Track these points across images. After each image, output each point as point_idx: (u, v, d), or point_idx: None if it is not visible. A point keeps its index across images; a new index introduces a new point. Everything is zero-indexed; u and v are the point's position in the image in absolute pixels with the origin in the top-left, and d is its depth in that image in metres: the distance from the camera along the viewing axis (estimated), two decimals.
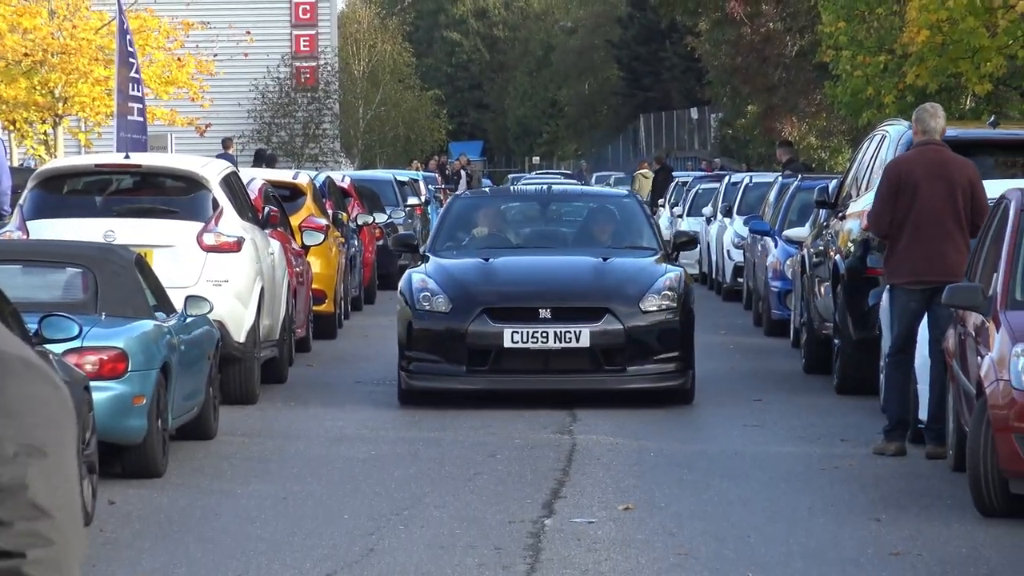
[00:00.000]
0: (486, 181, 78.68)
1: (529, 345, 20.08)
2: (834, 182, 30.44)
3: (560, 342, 19.92)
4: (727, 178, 49.59)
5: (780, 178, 41.57)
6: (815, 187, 31.83)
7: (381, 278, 41.83)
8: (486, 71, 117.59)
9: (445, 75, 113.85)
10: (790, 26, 58.37)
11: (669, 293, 20.86)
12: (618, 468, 20.24)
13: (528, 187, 31.80)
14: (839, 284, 25.99)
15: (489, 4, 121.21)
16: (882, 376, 22.19)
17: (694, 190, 52.66)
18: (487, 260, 21.99)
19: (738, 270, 41.72)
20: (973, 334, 18.60)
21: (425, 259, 22.63)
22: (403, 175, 54.65)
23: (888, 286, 21.34)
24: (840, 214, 26.65)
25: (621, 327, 20.30)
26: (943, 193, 20.21)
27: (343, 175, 44.91)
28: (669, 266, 22.28)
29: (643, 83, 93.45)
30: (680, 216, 50.63)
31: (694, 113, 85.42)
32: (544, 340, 20.02)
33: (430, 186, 58.81)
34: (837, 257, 26.32)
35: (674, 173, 62.59)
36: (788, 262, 33.38)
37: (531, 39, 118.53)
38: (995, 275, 18.35)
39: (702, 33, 68.37)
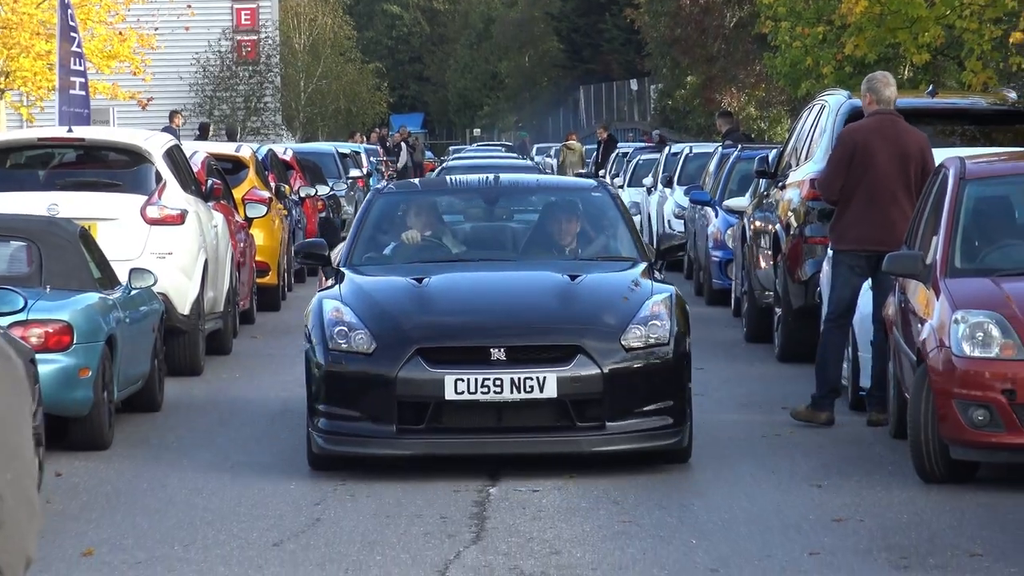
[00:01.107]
0: (428, 153, 79.26)
1: (479, 396, 15.28)
2: (774, 152, 30.73)
3: (519, 392, 15.17)
4: (667, 148, 50.32)
5: (720, 148, 41.89)
6: (755, 157, 31.99)
7: None
8: (426, 44, 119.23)
9: (386, 48, 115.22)
10: None
11: (658, 323, 15.84)
12: None
13: (470, 178, 24.94)
14: (780, 254, 26.12)
15: None
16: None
17: (635, 161, 53.04)
18: (420, 281, 16.73)
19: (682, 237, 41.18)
20: (913, 302, 18.71)
21: (339, 276, 17.35)
22: (345, 148, 55.39)
23: (832, 251, 21.38)
24: (780, 184, 26.84)
25: (598, 371, 15.34)
26: (897, 162, 20.35)
27: (285, 148, 45.26)
28: (656, 284, 17.09)
29: (583, 55, 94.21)
30: (621, 187, 49.78)
31: (634, 84, 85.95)
32: (498, 390, 15.20)
33: (372, 159, 59.40)
34: (778, 227, 26.51)
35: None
36: (729, 232, 33.54)
37: (471, 11, 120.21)
38: (935, 243, 18.42)
39: (641, 4, 69.83)
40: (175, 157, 25.57)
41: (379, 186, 19.41)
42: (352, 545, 14.67)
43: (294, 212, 37.12)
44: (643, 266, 17.42)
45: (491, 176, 22.15)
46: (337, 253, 18.37)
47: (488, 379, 14.78)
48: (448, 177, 24.41)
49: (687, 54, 64.54)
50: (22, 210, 22.52)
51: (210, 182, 27.67)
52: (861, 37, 36.43)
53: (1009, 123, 27.04)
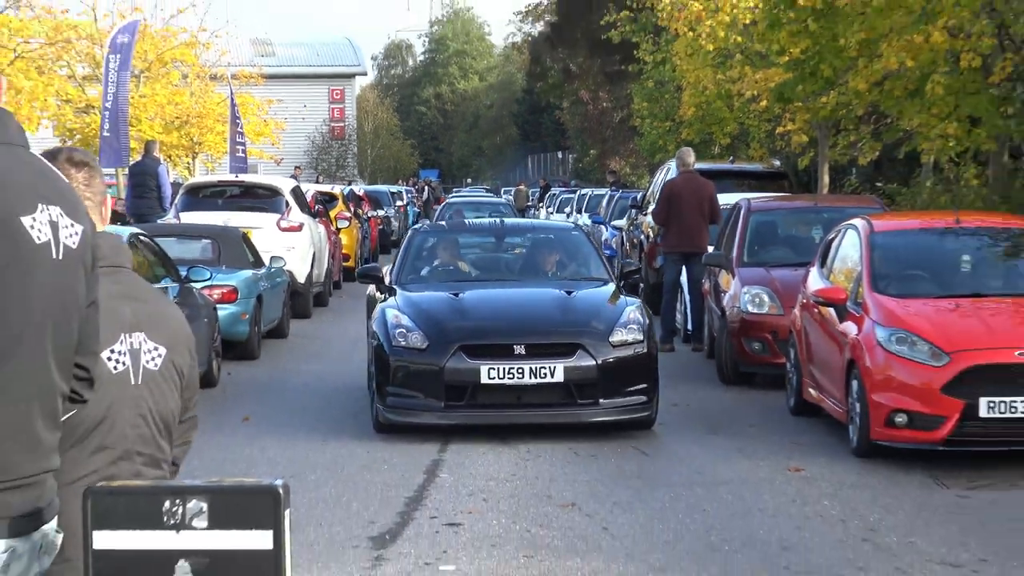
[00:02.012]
0: (445, 194, 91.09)
1: (505, 381, 16.13)
2: (640, 194, 36.03)
3: (535, 378, 16.10)
4: (578, 191, 60.05)
5: (609, 191, 49.63)
6: (630, 197, 38.25)
7: (381, 247, 50.29)
8: (441, 129, 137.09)
9: (417, 131, 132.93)
10: (615, 105, 67.85)
11: (634, 326, 16.92)
12: None
13: (482, 221, 26.55)
14: (642, 251, 30.37)
15: (443, 91, 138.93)
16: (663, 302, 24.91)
17: (559, 198, 62.74)
18: (456, 295, 17.71)
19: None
20: (720, 281, 21.83)
21: (391, 291, 18.30)
22: (393, 188, 69.47)
23: (664, 252, 24.96)
24: (644, 212, 31.04)
25: (593, 362, 16.32)
26: (695, 200, 24.20)
27: (360, 187, 57.71)
28: (628, 298, 18.17)
29: (531, 137, 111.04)
30: (551, 213, 59.71)
31: (560, 155, 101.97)
32: (520, 376, 16.11)
33: (408, 195, 72.21)
34: (642, 237, 30.78)
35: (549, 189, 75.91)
36: (613, 239, 39.26)
37: (467, 111, 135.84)
38: (734, 247, 21.73)
39: (565, 108, 79.05)
40: (296, 192, 30.55)
41: (416, 226, 22.07)
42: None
43: (364, 225, 44.48)
44: (612, 285, 18.52)
45: (498, 220, 23.48)
46: (385, 272, 19.33)
47: (512, 368, 15.95)
48: (467, 220, 29.12)
49: (591, 137, 78.84)
50: (209, 222, 26.28)
51: (317, 207, 33.19)
52: (691, 128, 42.33)
53: (775, 179, 31.68)
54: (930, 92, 28.50)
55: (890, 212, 22.63)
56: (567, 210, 56.27)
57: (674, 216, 24.04)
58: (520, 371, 16.00)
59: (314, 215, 30.94)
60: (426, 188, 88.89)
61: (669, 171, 28.85)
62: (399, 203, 62.99)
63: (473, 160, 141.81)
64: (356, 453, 15.69)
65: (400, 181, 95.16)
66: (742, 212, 22.62)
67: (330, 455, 15.58)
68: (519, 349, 16.17)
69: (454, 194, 62.53)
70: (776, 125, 36.83)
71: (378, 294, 19.00)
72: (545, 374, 15.99)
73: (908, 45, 27.98)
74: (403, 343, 16.44)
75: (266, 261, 24.41)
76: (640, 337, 16.72)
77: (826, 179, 37.08)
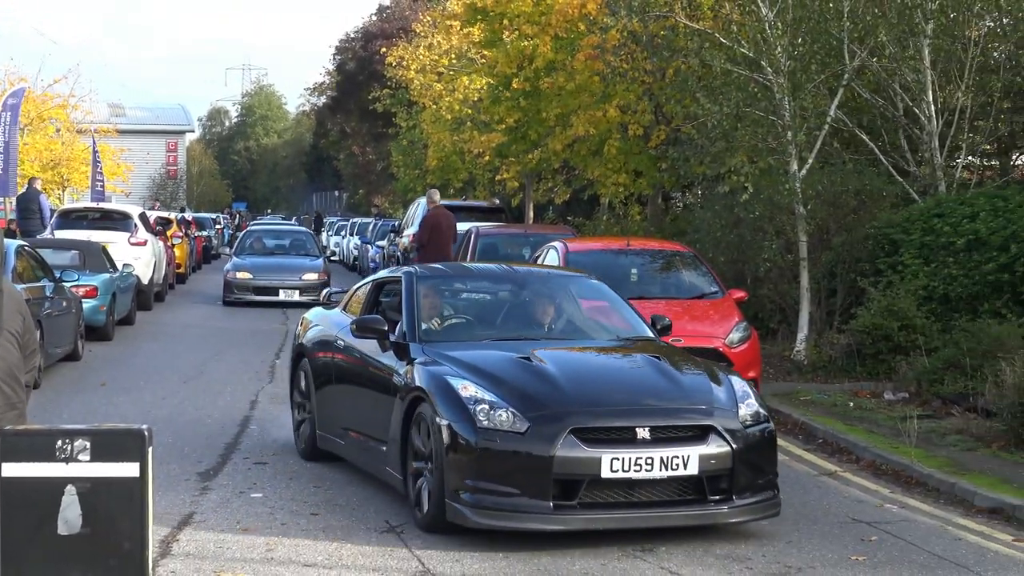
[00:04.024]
0: (251, 216, 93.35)
1: (631, 474, 9.69)
2: (397, 222, 36.53)
3: (667, 469, 9.74)
4: (351, 220, 58.96)
5: (373, 220, 49.37)
6: (389, 224, 38.62)
7: (204, 258, 49.35)
8: (249, 172, 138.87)
9: (231, 173, 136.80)
10: (378, 157, 67.82)
11: (753, 400, 10.47)
12: None
13: (492, 266, 14.55)
14: (399, 263, 29.39)
15: (251, 145, 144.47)
16: None
17: (336, 225, 61.87)
18: (528, 359, 10.48)
19: (355, 259, 48.44)
20: None
21: (403, 349, 10.97)
22: (213, 215, 67.59)
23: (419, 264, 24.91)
24: (400, 235, 31.63)
25: (728, 448, 9.90)
26: (445, 227, 23.82)
27: (189, 214, 55.62)
28: (715, 365, 11.31)
29: (315, 179, 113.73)
30: (330, 236, 59.61)
31: (337, 193, 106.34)
32: (648, 468, 9.71)
33: (225, 220, 71.45)
34: (399, 253, 31.02)
35: (325, 219, 76.38)
36: (377, 255, 38.88)
37: (268, 159, 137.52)
38: (467, 261, 21.13)
39: (341, 159, 79.13)
40: (142, 216, 30.19)
41: (411, 270, 12.26)
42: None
43: (192, 242, 44.30)
44: (663, 343, 11.84)
45: (508, 266, 13.66)
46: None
47: (640, 458, 9.54)
48: (471, 266, 15.92)
49: (360, 180, 79.20)
50: (77, 237, 25.64)
51: (157, 228, 32.59)
52: (434, 175, 41.87)
53: (495, 213, 32.12)
54: (607, 152, 29.37)
55: (579, 237, 22.86)
56: (343, 233, 56.64)
57: (432, 238, 23.92)
58: (649, 461, 9.55)
59: (155, 234, 30.82)
60: (237, 216, 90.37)
61: (420, 205, 28.93)
62: (217, 226, 62.77)
63: (272, 196, 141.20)
64: (187, 410, 15.43)
65: (219, 211, 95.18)
66: (472, 236, 23.15)
67: (167, 410, 15.26)
68: (643, 433, 9.63)
69: (255, 222, 60.54)
70: (496, 174, 36.81)
71: (341, 339, 12.19)
72: (678, 464, 9.59)
73: (591, 118, 28.72)
74: (489, 424, 9.59)
75: (119, 267, 24.18)
76: (764, 412, 10.39)
77: (531, 213, 38.06)
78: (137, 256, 27.27)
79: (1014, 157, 24.85)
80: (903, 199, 21.43)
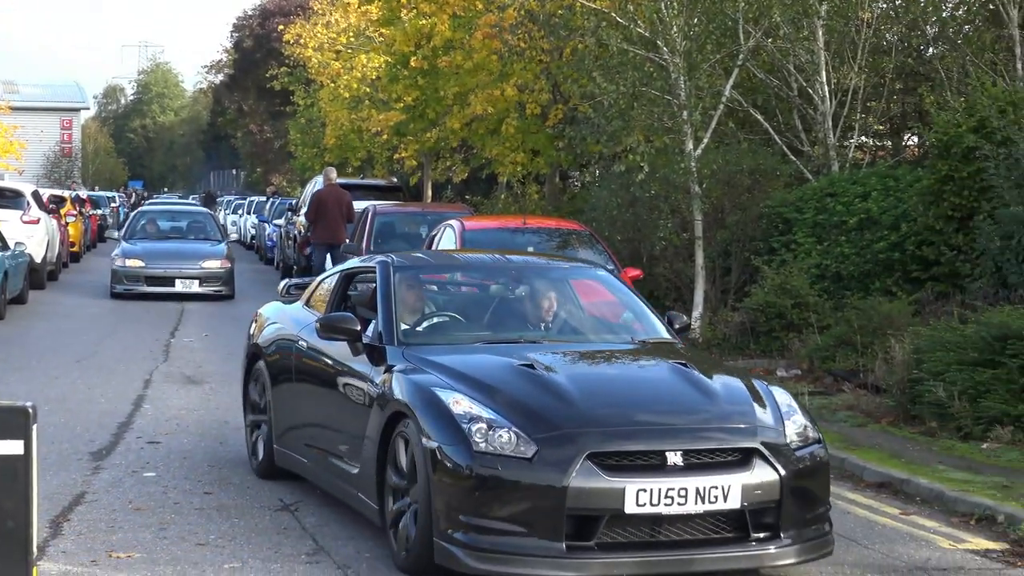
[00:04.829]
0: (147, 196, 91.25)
1: (660, 509, 7.59)
2: (295, 201, 36.00)
3: (703, 502, 7.66)
4: (248, 198, 59.37)
5: (270, 199, 48.16)
6: (286, 203, 38.16)
7: (100, 237, 48.02)
8: (146, 151, 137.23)
9: (127, 152, 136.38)
10: (276, 135, 66.93)
11: (799, 416, 8.36)
12: None
13: (483, 256, 11.40)
14: (295, 242, 30.41)
15: (147, 123, 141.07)
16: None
17: (233, 204, 61.83)
18: (531, 366, 8.45)
19: (253, 237, 48.65)
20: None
21: (379, 354, 8.92)
22: (109, 194, 66.80)
23: (313, 243, 24.88)
24: (297, 214, 31.05)
25: (776, 476, 7.87)
26: (337, 206, 24.40)
27: (84, 193, 54.94)
28: (748, 373, 9.51)
29: (212, 158, 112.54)
30: (228, 214, 58.56)
31: (234, 172, 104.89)
32: (682, 501, 7.61)
33: (120, 199, 69.92)
34: (296, 232, 30.59)
35: (218, 198, 77.42)
36: (275, 234, 38.61)
37: (165, 138, 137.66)
38: (364, 241, 21.64)
39: (238, 137, 78.41)
40: (35, 194, 29.54)
41: (386, 259, 9.80)
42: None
43: (87, 221, 43.93)
44: (685, 346, 9.84)
45: (503, 256, 11.15)
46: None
47: (672, 489, 7.58)
48: (458, 257, 12.17)
49: (258, 159, 76.79)
50: None
51: (51, 206, 32.00)
52: (332, 153, 41.63)
53: (393, 191, 32.07)
54: (504, 131, 29.45)
55: (476, 215, 22.83)
56: (240, 212, 56.32)
57: (320, 217, 24.13)
58: (682, 493, 7.60)
59: (49, 212, 30.39)
60: (133, 194, 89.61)
61: (316, 184, 28.83)
62: (113, 205, 61.90)
63: (169, 174, 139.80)
64: (79, 390, 15.31)
65: (115, 189, 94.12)
66: (369, 214, 22.84)
67: (60, 390, 15.14)
68: (674, 458, 7.68)
69: (149, 202, 58.29)
70: (394, 152, 36.77)
71: (303, 341, 10.20)
72: (716, 496, 7.65)
73: (489, 97, 28.77)
74: (488, 447, 7.67)
75: (11, 246, 23.74)
76: (814, 430, 8.38)
77: (429, 192, 37.94)
78: (30, 234, 26.72)
79: (905, 137, 25.17)
80: (796, 178, 21.64)
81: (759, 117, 22.42)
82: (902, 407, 13.39)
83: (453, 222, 18.15)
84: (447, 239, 17.67)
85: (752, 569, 7.98)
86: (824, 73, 21.57)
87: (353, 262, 10.81)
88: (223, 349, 19.40)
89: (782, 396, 8.52)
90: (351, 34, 41.38)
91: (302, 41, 44.56)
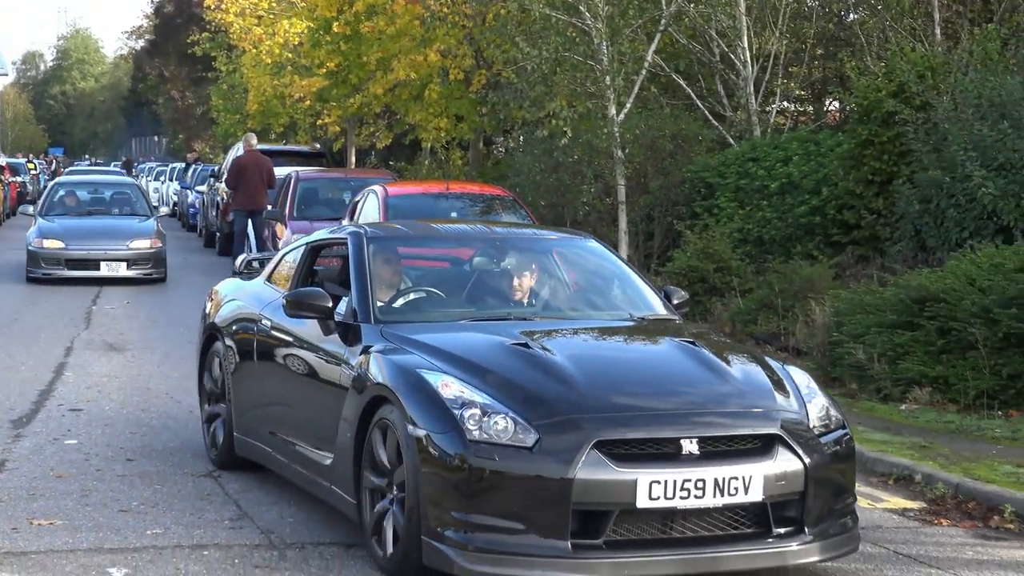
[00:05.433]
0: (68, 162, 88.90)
1: (676, 503, 6.74)
2: (217, 167, 35.86)
3: (722, 495, 6.79)
4: (170, 165, 58.28)
5: (193, 166, 46.99)
6: (208, 170, 38.11)
7: (20, 203, 47.02)
8: (66, 117, 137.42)
9: (47, 119, 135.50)
10: (198, 102, 66.78)
11: (821, 399, 7.55)
12: None
13: (464, 226, 10.36)
14: (219, 209, 30.10)
15: (67, 89, 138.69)
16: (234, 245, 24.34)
17: (155, 171, 59.98)
18: (526, 346, 7.56)
19: (175, 204, 47.75)
20: (276, 231, 22.09)
21: (354, 332, 8.07)
22: (28, 162, 64.32)
23: (234, 210, 24.55)
24: (219, 180, 30.40)
25: (800, 465, 7.00)
26: (257, 172, 24.08)
27: (2, 160, 53.07)
28: (762, 353, 8.75)
29: (134, 125, 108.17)
30: (149, 181, 56.65)
31: (156, 138, 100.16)
32: (699, 493, 6.75)
33: (40, 166, 68.21)
34: (219, 198, 30.19)
35: (136, 165, 77.15)
36: (197, 200, 38.38)
37: (86, 104, 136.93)
38: (287, 206, 21.83)
39: (160, 104, 78.39)
40: None
41: (358, 230, 8.98)
42: None
43: (6, 188, 43.78)
44: (684, 323, 9.06)
45: (483, 226, 10.09)
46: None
47: (689, 480, 6.76)
48: (441, 225, 10.44)
49: (179, 126, 75.53)
50: None
51: None
52: (254, 120, 40.81)
53: (317, 157, 31.60)
54: (428, 97, 29.44)
55: (399, 181, 22.63)
56: (162, 179, 55.51)
57: (241, 183, 23.92)
58: (700, 484, 6.80)
59: None
60: (54, 161, 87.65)
61: (238, 150, 28.26)
62: (32, 172, 61.07)
63: (90, 141, 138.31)
64: None
65: (34, 156, 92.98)
66: (292, 180, 22.70)
67: None
68: (689, 446, 6.88)
69: (69, 170, 55.29)
70: (317, 118, 36.43)
71: (268, 319, 9.31)
72: (736, 488, 6.87)
73: (412, 63, 28.77)
74: (482, 435, 6.84)
75: None
76: (837, 414, 7.62)
77: (353, 158, 37.78)
78: None
79: (826, 102, 25.37)
80: (719, 143, 21.82)
81: (681, 82, 22.57)
82: (823, 369, 13.46)
83: (377, 188, 18.14)
84: (371, 205, 17.64)
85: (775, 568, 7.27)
86: (746, 38, 21.71)
87: (321, 233, 9.83)
88: (144, 317, 19.26)
89: (800, 377, 7.80)
90: None
91: (223, 6, 44.15)
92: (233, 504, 8.89)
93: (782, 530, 7.08)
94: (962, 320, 12.44)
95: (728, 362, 7.71)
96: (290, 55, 38.07)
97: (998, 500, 9.06)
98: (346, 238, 9.05)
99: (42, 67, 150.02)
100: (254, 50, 40.54)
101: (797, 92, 24.19)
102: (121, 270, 23.64)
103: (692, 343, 7.96)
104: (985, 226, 14.53)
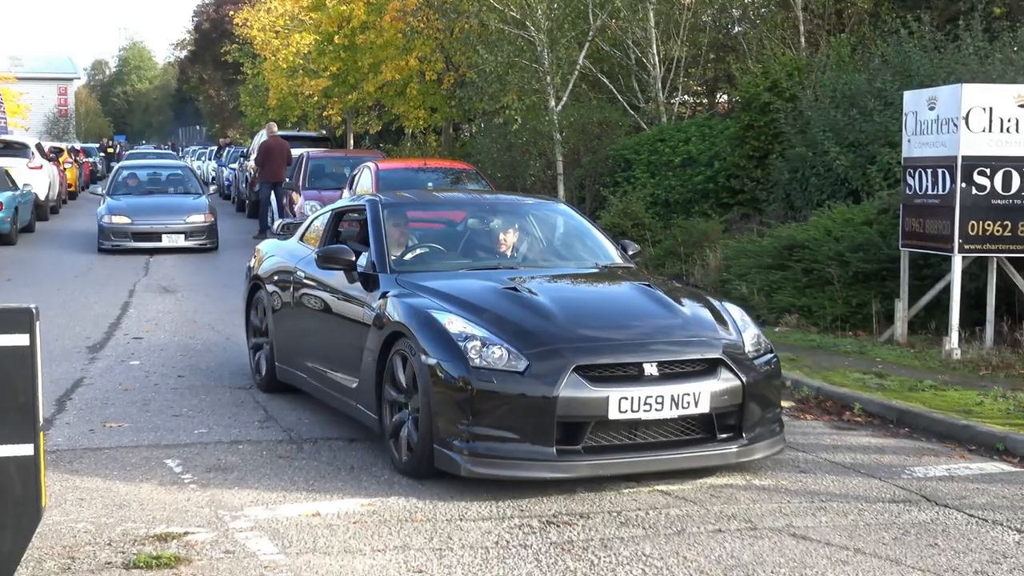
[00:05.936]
0: (129, 147, 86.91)
1: (640, 415, 6.68)
2: (245, 149, 34.74)
3: (677, 408, 6.75)
4: (209, 148, 56.57)
5: (227, 148, 45.82)
6: (239, 151, 36.88)
7: (92, 179, 47.68)
8: (127, 111, 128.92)
9: (112, 112, 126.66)
10: (230, 99, 64.59)
11: (754, 329, 7.47)
12: None
13: (458, 194, 10.65)
14: (248, 181, 29.34)
15: (128, 89, 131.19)
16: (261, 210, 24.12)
17: (197, 153, 58.45)
18: (516, 290, 7.42)
19: (213, 178, 45.34)
20: (295, 197, 21.19)
21: (374, 280, 7.92)
22: (97, 146, 62.74)
23: (261, 183, 23.95)
24: (248, 159, 29.94)
25: (739, 382, 6.95)
26: (279, 152, 23.48)
27: (78, 145, 52.73)
28: (703, 291, 8.52)
29: (180, 117, 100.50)
30: (193, 160, 54.63)
31: (198, 127, 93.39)
32: (659, 407, 6.71)
33: (102, 153, 64.31)
34: (247, 174, 29.56)
35: (180, 148, 74.70)
36: (231, 175, 37.31)
37: (142, 101, 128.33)
38: (301, 178, 21.33)
39: (200, 100, 75.44)
40: (39, 146, 28.95)
41: (375, 198, 8.77)
42: None
43: (81, 167, 42.55)
44: (640, 270, 8.90)
45: (473, 193, 10.38)
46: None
47: (651, 396, 6.72)
48: (440, 193, 11.38)
49: (216, 117, 71.51)
50: None
51: (51, 155, 31.20)
52: (274, 112, 39.14)
53: (323, 141, 30.55)
54: (409, 93, 29.27)
55: (387, 159, 22.23)
56: (203, 159, 54.42)
57: (267, 161, 23.43)
58: (659, 400, 6.77)
59: (50, 160, 29.86)
60: (117, 147, 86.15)
61: (263, 136, 27.42)
62: (101, 155, 60.53)
63: (146, 130, 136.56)
64: (78, 298, 15.03)
65: (103, 141, 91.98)
66: (304, 159, 22.34)
67: (62, 298, 14.87)
68: (650, 369, 6.82)
69: (130, 154, 52.45)
70: (323, 111, 35.89)
71: (300, 270, 9.07)
72: (688, 402, 6.84)
73: (397, 67, 28.61)
74: (482, 362, 6.73)
75: (20, 186, 23.24)
76: (766, 340, 7.57)
77: (351, 141, 37.48)
78: (36, 178, 26.33)
79: (717, 96, 25.34)
80: (635, 128, 21.72)
81: (605, 81, 22.48)
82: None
83: (370, 164, 17.91)
84: (365, 177, 17.41)
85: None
86: (655, 46, 21.62)
87: (343, 202, 9.55)
88: (191, 266, 19.07)
89: (736, 311, 7.66)
90: (288, 18, 40.70)
91: (249, 23, 43.65)
92: (262, 409, 8.86)
93: (724, 436, 7.03)
94: (822, 262, 12.49)
95: (679, 300, 7.56)
96: (301, 61, 37.56)
97: (849, 400, 9.07)
98: (364, 205, 8.82)
99: (107, 72, 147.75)
100: (273, 58, 39.93)
101: (695, 88, 24.14)
102: (180, 241, 21.85)
103: (648, 285, 7.81)
104: (839, 190, 14.51)
